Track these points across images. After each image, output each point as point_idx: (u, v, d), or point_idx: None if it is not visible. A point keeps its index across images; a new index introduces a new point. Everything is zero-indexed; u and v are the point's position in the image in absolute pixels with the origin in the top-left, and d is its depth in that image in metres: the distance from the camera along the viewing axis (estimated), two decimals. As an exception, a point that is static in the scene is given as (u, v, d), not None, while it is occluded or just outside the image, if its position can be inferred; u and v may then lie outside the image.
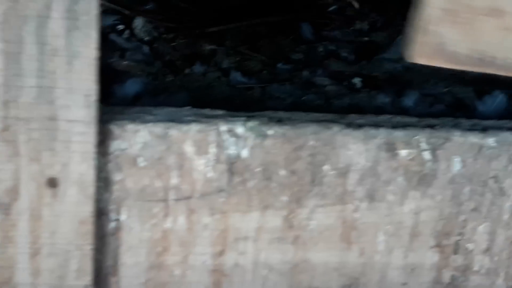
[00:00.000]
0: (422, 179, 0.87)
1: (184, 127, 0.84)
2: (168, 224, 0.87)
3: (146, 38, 1.43)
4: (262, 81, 1.34)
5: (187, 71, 1.35)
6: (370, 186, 0.87)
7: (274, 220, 0.88)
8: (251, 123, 0.85)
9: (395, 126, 0.86)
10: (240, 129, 0.85)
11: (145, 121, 0.84)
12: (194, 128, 0.84)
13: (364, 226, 0.89)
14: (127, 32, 1.44)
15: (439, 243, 0.90)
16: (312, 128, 0.85)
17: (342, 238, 0.90)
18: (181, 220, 0.87)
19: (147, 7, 1.61)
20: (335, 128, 0.85)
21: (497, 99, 1.28)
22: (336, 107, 1.25)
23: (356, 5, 1.63)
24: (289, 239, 0.89)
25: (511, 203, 0.89)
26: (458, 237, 0.90)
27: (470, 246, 0.91)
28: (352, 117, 0.88)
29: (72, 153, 0.80)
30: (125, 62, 1.32)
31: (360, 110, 1.23)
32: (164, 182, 0.86)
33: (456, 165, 0.87)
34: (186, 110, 0.87)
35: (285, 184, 0.87)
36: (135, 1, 1.62)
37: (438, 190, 0.88)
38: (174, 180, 0.86)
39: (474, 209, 0.89)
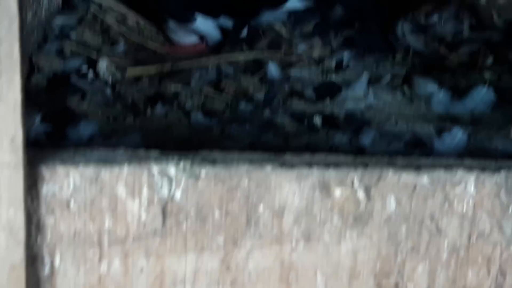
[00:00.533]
0: (358, 219, 0.86)
1: (116, 169, 0.84)
2: (103, 268, 0.87)
3: (110, 80, 1.43)
4: (223, 122, 1.33)
5: (148, 112, 1.34)
6: (306, 226, 0.87)
7: (211, 262, 0.88)
8: (183, 164, 0.84)
9: (328, 165, 0.85)
10: (172, 170, 0.84)
11: (76, 163, 0.83)
12: (126, 170, 0.84)
13: (302, 266, 0.88)
14: (91, 74, 1.44)
15: (379, 283, 0.89)
16: (245, 168, 0.85)
17: (281, 279, 0.89)
18: (116, 263, 0.87)
19: (121, 49, 1.62)
20: (268, 168, 0.85)
21: (457, 137, 1.27)
22: (293, 146, 1.25)
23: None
24: (227, 281, 0.88)
25: (449, 241, 0.88)
26: (398, 277, 0.89)
27: (410, 285, 0.90)
28: (287, 156, 0.87)
29: (-1, 198, 0.80)
30: (85, 105, 1.32)
31: (317, 149, 1.22)
32: (97, 226, 0.85)
33: (391, 204, 0.86)
34: (120, 151, 0.87)
35: (221, 225, 0.86)
36: (106, 44, 1.63)
37: (374, 229, 0.87)
38: (107, 223, 0.85)
39: (412, 249, 0.88)
